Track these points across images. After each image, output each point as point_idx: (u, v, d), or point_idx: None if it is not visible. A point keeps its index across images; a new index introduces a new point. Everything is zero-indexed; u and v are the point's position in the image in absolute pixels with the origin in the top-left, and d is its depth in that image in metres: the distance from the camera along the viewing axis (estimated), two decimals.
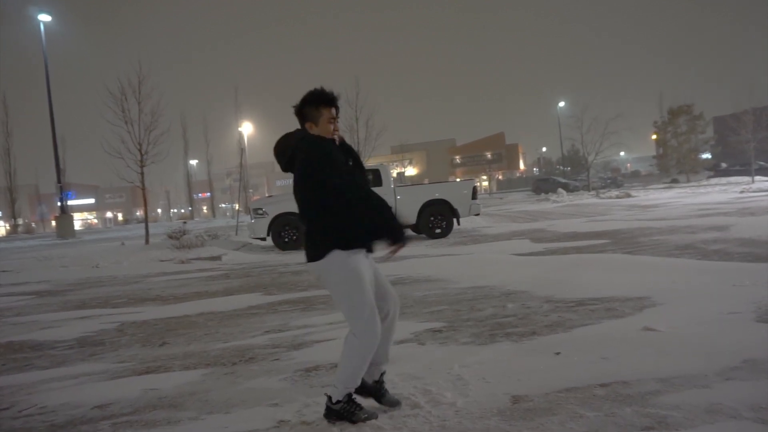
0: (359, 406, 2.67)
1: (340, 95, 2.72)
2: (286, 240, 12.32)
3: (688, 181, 42.40)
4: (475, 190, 13.30)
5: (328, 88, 2.69)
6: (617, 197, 26.22)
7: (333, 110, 2.68)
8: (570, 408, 2.64)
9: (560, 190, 34.12)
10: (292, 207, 12.46)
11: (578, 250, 8.67)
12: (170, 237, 13.98)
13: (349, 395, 2.66)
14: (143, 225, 17.06)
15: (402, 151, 59.42)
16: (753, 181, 30.12)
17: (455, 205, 12.91)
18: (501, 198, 41.90)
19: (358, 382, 2.68)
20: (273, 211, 12.39)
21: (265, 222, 12.44)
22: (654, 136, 52.37)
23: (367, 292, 2.63)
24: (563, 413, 2.59)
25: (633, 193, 29.27)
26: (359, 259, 2.66)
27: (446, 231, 12.92)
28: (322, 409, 2.81)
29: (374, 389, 2.77)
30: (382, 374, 2.80)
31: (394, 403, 2.78)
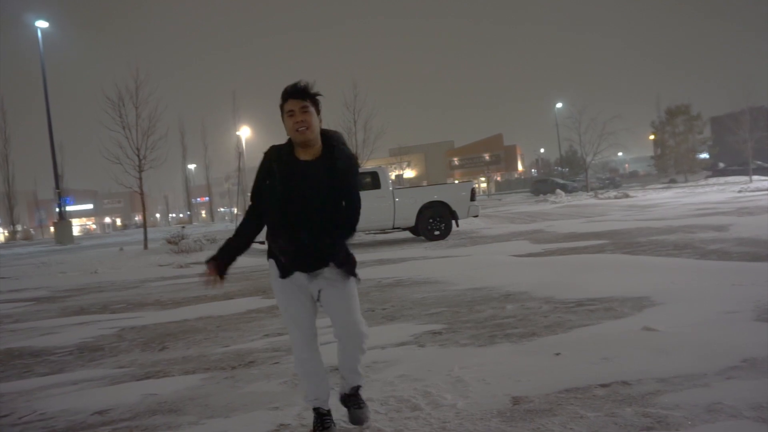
0: (323, 426, 2.56)
1: (308, 84, 2.46)
2: None
3: (686, 181, 42.48)
4: (473, 192, 13.29)
5: (303, 81, 2.48)
6: (615, 198, 26.26)
7: (292, 102, 2.43)
8: (570, 408, 2.64)
9: (558, 191, 34.20)
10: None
11: (577, 250, 8.67)
12: (169, 242, 13.99)
13: (314, 409, 2.60)
14: (142, 230, 17.06)
15: (400, 154, 59.44)
16: (751, 181, 30.18)
17: (454, 207, 12.90)
18: (499, 199, 41.94)
19: (310, 397, 2.58)
20: None
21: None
22: (652, 137, 52.52)
23: (290, 316, 2.53)
24: (563, 414, 2.58)
25: (631, 193, 29.31)
26: (282, 279, 2.52)
27: (445, 233, 12.91)
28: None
29: (344, 401, 2.70)
30: (353, 388, 2.68)
31: (354, 421, 2.65)
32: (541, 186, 44.14)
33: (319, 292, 2.50)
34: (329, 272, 2.50)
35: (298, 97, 2.44)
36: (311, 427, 2.61)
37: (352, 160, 2.52)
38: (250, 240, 2.57)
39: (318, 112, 2.48)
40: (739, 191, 22.60)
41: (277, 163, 2.45)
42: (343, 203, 2.47)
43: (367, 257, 10.16)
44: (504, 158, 74.82)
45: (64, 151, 50.30)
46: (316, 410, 2.59)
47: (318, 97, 2.48)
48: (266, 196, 2.47)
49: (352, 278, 2.54)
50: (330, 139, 2.51)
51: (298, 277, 2.49)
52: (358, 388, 2.68)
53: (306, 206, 2.40)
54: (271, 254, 2.54)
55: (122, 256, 14.32)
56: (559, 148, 55.88)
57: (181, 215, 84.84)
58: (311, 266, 2.47)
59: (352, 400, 2.66)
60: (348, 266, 2.52)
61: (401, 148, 59.73)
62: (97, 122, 15.60)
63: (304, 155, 2.47)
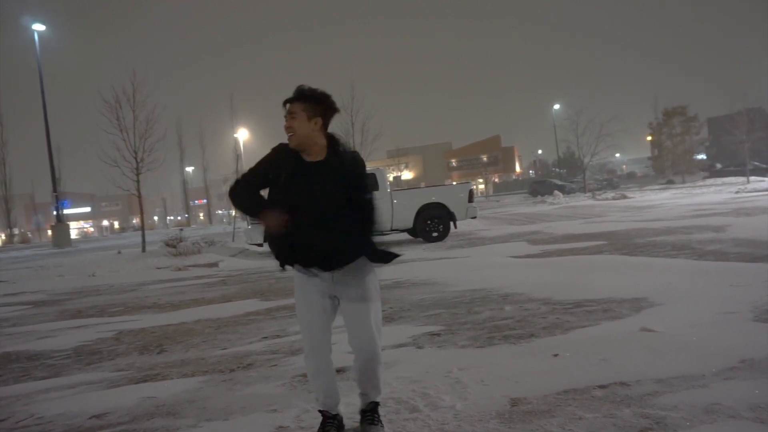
0: (324, 429, 2.56)
1: (300, 89, 2.47)
2: None
3: (684, 182, 42.57)
4: (471, 193, 13.31)
5: (306, 86, 2.49)
6: (613, 199, 26.29)
7: (287, 106, 2.47)
8: (569, 410, 2.64)
9: (556, 192, 34.23)
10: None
11: (575, 251, 8.68)
12: (167, 244, 13.94)
13: (320, 411, 2.61)
14: (140, 233, 17.04)
15: (398, 155, 59.47)
16: (748, 182, 30.23)
17: (452, 209, 12.92)
18: (497, 201, 41.96)
19: (320, 399, 2.59)
20: None
21: (261, 228, 12.42)
22: (649, 138, 52.69)
23: (304, 318, 2.56)
24: (562, 415, 2.58)
25: (629, 194, 29.35)
26: (304, 280, 2.54)
27: (443, 234, 12.92)
28: (320, 416, 2.80)
29: (361, 413, 2.64)
30: (370, 404, 2.61)
31: None
32: (539, 187, 44.18)
33: (340, 299, 2.52)
34: (350, 277, 2.48)
35: (289, 102, 2.48)
36: (315, 429, 2.61)
37: (357, 157, 2.56)
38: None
39: (316, 114, 2.45)
40: (737, 192, 22.64)
41: (284, 161, 2.48)
42: (363, 197, 2.49)
43: None
44: (502, 159, 74.89)
45: (61, 153, 50.24)
46: (321, 413, 2.60)
47: (311, 99, 2.45)
48: (271, 196, 2.50)
49: (373, 290, 2.54)
50: (333, 140, 2.52)
51: (319, 278, 2.50)
52: (376, 405, 2.61)
53: (315, 207, 2.41)
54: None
55: (120, 259, 14.29)
56: (556, 149, 56.07)
57: (179, 218, 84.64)
58: (328, 264, 2.47)
59: (367, 416, 2.60)
60: (378, 258, 2.53)
61: (399, 150, 59.79)
62: (94, 125, 15.59)
63: (308, 157, 2.48)
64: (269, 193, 2.52)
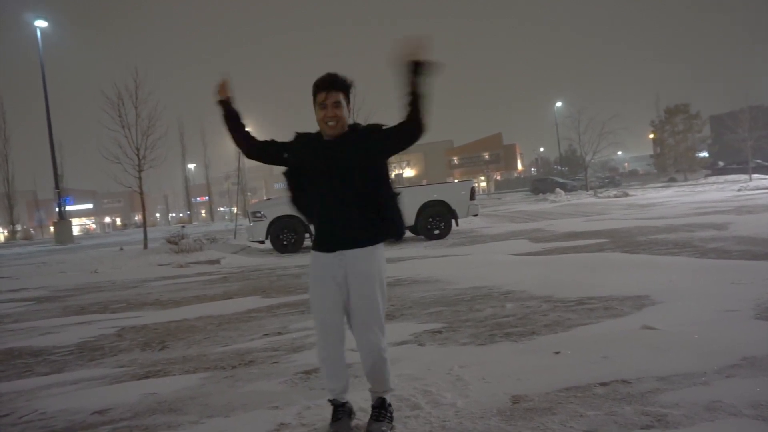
0: (335, 417, 2.58)
1: (345, 78, 2.50)
2: (285, 243, 12.32)
3: (686, 179, 42.52)
4: (473, 191, 13.29)
5: (340, 73, 2.51)
6: (615, 196, 26.28)
7: (325, 95, 2.46)
8: (570, 407, 2.64)
9: (558, 190, 34.21)
10: (291, 210, 12.43)
11: (577, 249, 8.67)
12: (169, 241, 13.95)
13: (330, 401, 2.62)
14: (141, 230, 17.06)
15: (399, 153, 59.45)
16: (750, 179, 30.19)
17: (453, 206, 12.91)
18: (499, 198, 41.93)
19: (329, 388, 2.60)
20: (271, 214, 12.39)
21: (263, 225, 12.44)
22: (651, 136, 52.57)
23: (315, 302, 2.56)
24: (563, 412, 2.59)
25: (631, 192, 29.33)
26: (317, 261, 2.57)
27: (445, 232, 12.92)
28: (322, 412, 2.81)
29: (372, 406, 2.64)
30: (377, 399, 2.60)
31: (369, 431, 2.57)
32: (541, 185, 44.15)
33: (348, 292, 2.50)
34: (357, 260, 2.48)
35: (332, 89, 2.47)
36: (316, 425, 2.62)
37: (372, 125, 2.58)
38: (245, 130, 2.75)
39: (348, 102, 2.54)
40: (739, 190, 22.60)
41: (305, 145, 2.58)
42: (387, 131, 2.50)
43: None
44: (503, 157, 74.80)
45: (63, 150, 50.21)
46: (332, 401, 2.62)
47: (348, 88, 2.54)
48: (294, 179, 2.65)
49: (379, 288, 2.50)
50: (356, 124, 2.60)
51: (328, 262, 2.51)
52: (383, 401, 2.60)
53: (332, 179, 2.48)
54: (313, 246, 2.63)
55: (122, 255, 14.30)
56: (558, 147, 55.99)
57: (180, 215, 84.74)
58: (336, 243, 2.50)
59: (374, 411, 2.59)
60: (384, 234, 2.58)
61: None
62: (96, 122, 15.56)
63: (328, 137, 2.54)
64: (291, 176, 2.65)
